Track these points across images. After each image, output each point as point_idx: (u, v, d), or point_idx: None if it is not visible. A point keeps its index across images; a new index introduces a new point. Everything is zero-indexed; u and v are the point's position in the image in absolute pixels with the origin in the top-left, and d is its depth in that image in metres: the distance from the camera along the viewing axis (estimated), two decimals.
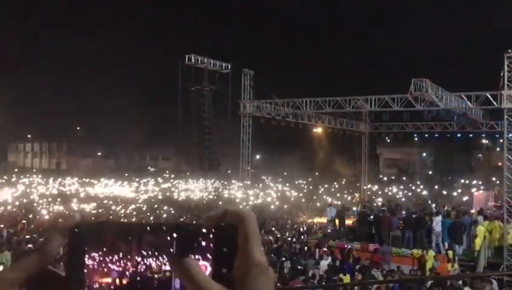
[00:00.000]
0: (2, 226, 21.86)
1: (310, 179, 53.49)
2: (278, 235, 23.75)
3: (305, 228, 27.12)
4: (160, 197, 40.36)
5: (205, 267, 0.71)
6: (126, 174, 51.51)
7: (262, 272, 0.69)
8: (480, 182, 45.52)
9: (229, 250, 0.70)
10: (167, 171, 57.23)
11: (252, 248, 0.70)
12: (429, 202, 31.68)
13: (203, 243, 0.71)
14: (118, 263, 0.70)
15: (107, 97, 59.16)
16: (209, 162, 57.64)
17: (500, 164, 22.96)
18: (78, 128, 67.55)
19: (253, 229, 0.72)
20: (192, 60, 52.95)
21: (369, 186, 38.04)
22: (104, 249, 0.70)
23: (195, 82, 57.11)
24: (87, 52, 62.38)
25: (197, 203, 38.21)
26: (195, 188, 47.90)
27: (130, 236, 0.70)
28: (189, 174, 53.44)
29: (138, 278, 0.71)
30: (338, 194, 40.64)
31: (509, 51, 18.69)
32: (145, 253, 0.71)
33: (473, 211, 24.29)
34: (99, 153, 65.90)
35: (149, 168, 61.84)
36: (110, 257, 0.70)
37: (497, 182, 34.62)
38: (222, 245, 0.71)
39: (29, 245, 17.45)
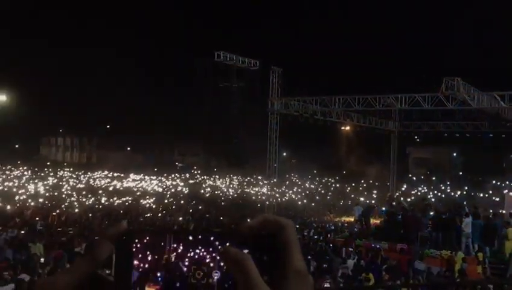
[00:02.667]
0: (37, 219, 22.36)
1: (337, 178, 53.16)
2: (305, 234, 23.68)
3: (332, 227, 27.00)
4: (187, 192, 40.72)
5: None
6: (155, 169, 52.12)
7: (302, 279, 0.72)
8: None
9: (270, 258, 0.72)
10: (195, 167, 57.67)
11: (292, 256, 0.73)
12: (459, 202, 31.14)
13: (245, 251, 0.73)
14: (164, 270, 0.73)
15: (138, 94, 59.83)
16: (237, 159, 57.82)
17: None
18: (107, 126, 68.58)
19: (293, 237, 0.74)
20: (222, 57, 53.04)
21: (398, 185, 37.60)
22: (152, 256, 0.72)
23: (224, 79, 57.31)
24: (118, 49, 63.29)
25: (224, 198, 38.45)
26: (222, 184, 48.17)
27: (175, 243, 0.73)
28: (216, 170, 53.71)
29: (183, 285, 0.73)
30: (366, 193, 40.32)
31: None
32: (191, 259, 0.73)
33: (504, 212, 23.78)
34: (128, 148, 66.80)
35: (177, 163, 62.39)
36: (157, 264, 0.72)
37: None
38: (263, 253, 0.73)
39: (62, 238, 17.80)
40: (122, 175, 48.75)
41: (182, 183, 46.00)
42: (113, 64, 63.17)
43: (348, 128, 32.39)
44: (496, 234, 19.31)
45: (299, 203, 37.33)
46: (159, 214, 27.19)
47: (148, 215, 26.37)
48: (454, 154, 58.85)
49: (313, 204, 37.02)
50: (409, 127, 32.62)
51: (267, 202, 26.40)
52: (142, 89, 61.22)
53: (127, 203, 31.58)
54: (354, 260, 17.43)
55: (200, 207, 31.65)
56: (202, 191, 42.18)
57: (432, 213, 22.40)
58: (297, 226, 25.90)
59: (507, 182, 45.62)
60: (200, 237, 0.73)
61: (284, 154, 51.32)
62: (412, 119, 29.15)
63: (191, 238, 0.73)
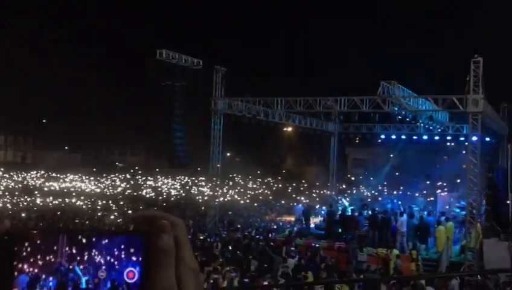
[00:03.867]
0: None
1: (279, 178, 53.73)
2: (246, 233, 23.81)
3: (273, 226, 27.28)
4: (127, 193, 39.96)
5: (133, 273, 0.72)
6: (94, 169, 50.79)
7: (193, 276, 0.73)
8: (445, 184, 46.50)
9: None
10: (136, 167, 56.63)
11: (184, 253, 0.74)
12: (395, 202, 32.20)
13: (131, 250, 0.72)
14: (52, 270, 0.69)
15: (77, 91, 58.08)
16: (179, 159, 57.28)
17: (464, 166, 23.49)
18: (44, 120, 66.15)
19: (183, 235, 0.75)
20: (164, 55, 52.45)
21: (337, 185, 38.44)
22: (37, 257, 0.69)
23: (167, 77, 56.66)
24: (55, 43, 61.09)
25: (165, 200, 38.00)
26: (163, 185, 47.57)
27: (58, 244, 0.70)
28: (158, 170, 53.01)
29: (71, 283, 0.70)
30: (306, 193, 40.99)
31: (476, 56, 19.17)
32: (79, 260, 0.70)
33: (436, 210, 24.82)
34: (66, 148, 64.69)
35: (117, 163, 61.02)
36: (43, 264, 0.69)
37: (461, 184, 35.42)
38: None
39: None
40: (58, 175, 47.18)
41: (122, 184, 45.08)
42: (49, 59, 60.99)
43: (290, 129, 32.82)
44: (429, 233, 20.12)
45: (242, 203, 37.48)
46: (95, 216, 26.57)
47: (81, 219, 25.62)
48: (391, 155, 60.75)
49: (255, 204, 37.26)
50: (348, 129, 33.43)
51: (210, 203, 26.30)
52: (81, 87, 59.50)
53: (63, 205, 30.64)
54: (294, 260, 17.69)
55: (140, 207, 31.13)
56: (143, 191, 41.53)
57: (369, 212, 23.07)
58: (239, 226, 26.06)
59: (439, 183, 47.69)
60: (94, 239, 0.71)
61: (228, 154, 51.37)
62: (351, 121, 29.86)
63: (84, 240, 0.71)
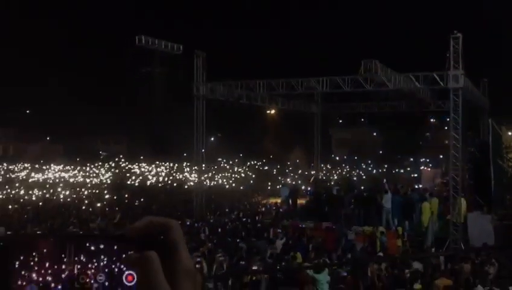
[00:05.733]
0: None
1: (264, 160, 53.88)
2: (233, 217, 23.90)
3: (260, 208, 27.41)
4: (111, 181, 39.79)
5: (132, 276, 0.73)
6: (77, 159, 50.40)
7: (190, 277, 0.74)
8: (428, 160, 47.14)
9: (159, 258, 0.73)
10: (120, 156, 56.30)
11: (181, 255, 0.75)
12: (380, 180, 32.55)
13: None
14: (49, 273, 0.70)
15: (58, 80, 57.21)
16: (163, 146, 57.04)
17: (447, 142, 23.75)
18: (27, 111, 65.26)
19: (179, 237, 0.77)
20: (143, 41, 51.84)
21: (322, 166, 38.69)
22: (35, 260, 0.69)
23: (147, 64, 56.13)
24: (32, 29, 60.00)
25: (151, 187, 37.90)
26: (148, 172, 47.42)
27: (65, 252, 0.70)
28: (143, 158, 52.76)
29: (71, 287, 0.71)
30: (292, 174, 41.19)
31: (455, 32, 19.27)
32: (77, 262, 0.71)
33: (421, 187, 25.13)
34: (48, 138, 63.95)
35: (100, 152, 60.60)
36: (41, 268, 0.69)
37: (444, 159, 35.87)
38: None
39: None
40: (42, 167, 46.74)
41: (107, 174, 44.83)
42: (27, 46, 60.01)
43: (273, 112, 32.82)
44: (414, 209, 20.39)
45: (227, 187, 37.56)
46: (84, 207, 26.44)
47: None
48: (374, 134, 61.22)
49: (241, 187, 37.36)
50: (330, 110, 33.51)
51: (196, 188, 26.30)
52: (61, 76, 58.57)
53: (47, 196, 30.41)
54: (282, 240, 17.82)
55: (126, 196, 31.07)
56: (128, 180, 41.36)
57: (355, 191, 23.29)
58: (227, 210, 26.15)
59: (423, 159, 48.30)
60: (87, 244, 0.72)
61: (212, 139, 51.30)
62: (333, 101, 29.93)
63: (92, 247, 0.72)
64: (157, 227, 0.76)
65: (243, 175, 45.98)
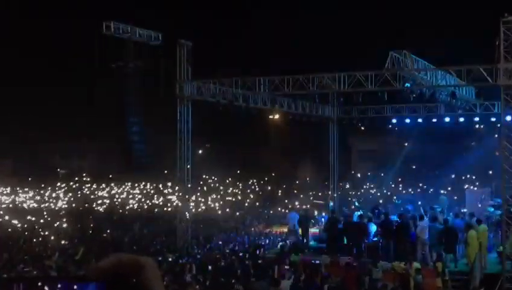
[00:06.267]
0: None
1: (266, 179, 53.86)
2: (227, 251, 23.86)
3: (261, 240, 27.35)
4: (72, 206, 39.74)
5: None
6: (29, 179, 50.36)
7: None
8: (474, 177, 47.11)
9: None
10: (84, 174, 56.27)
11: None
12: (413, 202, 32.50)
13: None
14: None
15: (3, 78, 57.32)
16: (138, 161, 57.01)
17: (497, 154, 23.77)
18: None
19: (155, 279, 0.78)
20: (112, 29, 51.99)
21: (340, 185, 38.67)
22: None
23: (117, 57, 56.25)
24: None
25: (122, 214, 37.87)
26: (119, 194, 47.38)
27: None
28: (112, 176, 52.73)
29: None
30: (301, 196, 41.13)
31: (506, 15, 19.29)
32: None
33: (465, 211, 25.10)
34: None
35: (59, 170, 60.55)
36: None
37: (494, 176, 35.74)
38: None
39: None
40: None
41: (66, 197, 44.79)
42: None
43: (277, 117, 32.83)
44: (457, 239, 20.36)
45: (220, 212, 37.51)
46: (34, 239, 26.38)
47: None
48: (406, 144, 61.28)
49: (237, 213, 37.33)
50: (350, 114, 33.55)
51: (180, 214, 26.27)
52: (8, 71, 58.64)
53: None
54: (289, 281, 17.76)
55: (91, 225, 31.01)
56: (94, 204, 41.33)
57: (382, 217, 23.26)
58: (220, 243, 26.11)
59: (467, 176, 48.27)
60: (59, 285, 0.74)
61: (200, 151, 51.35)
62: (353, 103, 29.91)
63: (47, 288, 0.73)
64: (127, 267, 0.77)
65: (239, 197, 45.93)
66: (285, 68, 29.85)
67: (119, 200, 44.40)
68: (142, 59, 55.70)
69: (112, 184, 50.41)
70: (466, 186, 42.27)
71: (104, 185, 50.49)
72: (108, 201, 43.05)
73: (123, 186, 50.09)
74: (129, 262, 0.78)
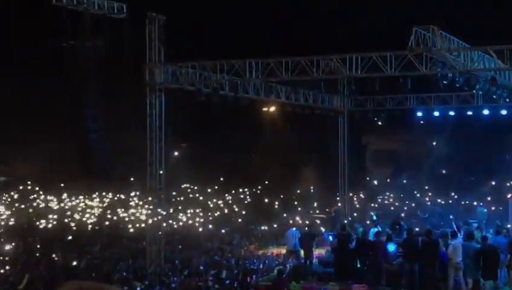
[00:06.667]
0: None
1: (259, 187, 53.87)
2: (211, 278, 23.92)
3: (254, 264, 27.42)
4: (13, 223, 39.68)
5: None
6: None
7: None
8: None
9: None
10: (28, 182, 56.16)
11: None
12: (444, 216, 32.67)
13: None
14: None
15: None
16: (97, 165, 56.95)
17: None
18: None
19: None
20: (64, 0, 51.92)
21: (351, 194, 38.82)
22: None
23: (71, 34, 56.13)
24: None
25: (77, 231, 37.82)
26: (74, 208, 47.31)
27: None
28: (64, 185, 52.64)
29: None
30: (303, 209, 41.21)
31: None
32: None
33: (509, 226, 25.27)
34: None
35: None
36: None
37: None
38: None
39: None
40: None
41: (7, 211, 44.71)
42: None
43: (272, 109, 32.91)
44: (499, 261, 20.46)
45: (201, 229, 37.53)
46: None
47: None
48: (434, 143, 61.45)
49: (222, 231, 37.35)
50: (364, 105, 33.66)
51: (150, 232, 26.30)
52: None
53: None
54: None
55: (38, 247, 30.99)
56: (39, 220, 41.25)
57: (403, 234, 23.37)
58: (201, 268, 26.15)
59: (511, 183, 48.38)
60: None
61: (175, 153, 51.35)
62: (368, 92, 30.04)
63: None
64: None
65: (225, 211, 45.97)
66: (283, 48, 29.90)
67: (74, 214, 44.30)
68: (102, 37, 55.66)
69: (64, 195, 50.30)
70: (510, 195, 42.43)
71: (53, 197, 50.40)
72: (59, 216, 42.93)
73: (78, 198, 49.94)
74: None
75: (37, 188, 53.90)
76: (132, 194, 47.58)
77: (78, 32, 56.08)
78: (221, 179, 54.10)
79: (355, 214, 37.38)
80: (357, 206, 41.06)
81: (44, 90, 57.64)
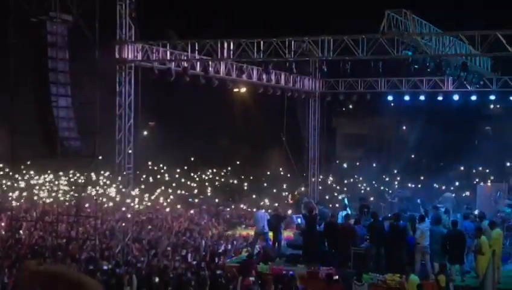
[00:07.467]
0: None
1: (228, 168, 53.87)
2: (177, 259, 23.92)
3: (221, 245, 27.47)
4: None
5: None
6: None
7: None
8: (487, 170, 47.83)
9: None
10: None
11: None
12: (412, 200, 32.91)
13: None
14: None
15: None
16: (64, 143, 56.44)
17: None
18: None
19: None
20: None
21: (321, 177, 38.96)
22: None
23: (37, 10, 55.41)
24: None
25: (44, 210, 37.58)
26: (40, 186, 46.94)
27: None
28: (30, 163, 52.16)
29: None
30: (273, 191, 41.35)
31: None
32: None
33: (476, 213, 25.52)
34: None
35: None
36: None
37: None
38: None
39: None
40: None
41: None
42: None
43: (243, 90, 32.84)
44: (465, 247, 20.67)
45: (168, 210, 37.47)
46: None
47: None
48: (404, 127, 61.73)
49: (191, 211, 37.32)
50: (336, 88, 33.72)
51: (118, 211, 26.26)
52: None
53: None
54: None
55: (3, 224, 30.79)
56: (7, 197, 40.96)
57: (371, 218, 23.54)
58: (169, 248, 26.14)
59: (480, 168, 48.90)
60: None
61: (144, 133, 51.09)
62: (340, 75, 30.09)
63: None
64: (65, 285, 0.88)
65: (194, 191, 45.94)
66: (255, 29, 29.81)
67: (40, 192, 43.99)
68: (68, 12, 54.96)
69: (31, 172, 49.84)
70: (477, 181, 42.91)
71: (19, 175, 49.91)
72: (25, 194, 42.60)
73: (45, 176, 49.55)
74: (69, 280, 0.89)
75: (1, 166, 53.33)
76: (100, 173, 47.26)
77: (45, 7, 55.43)
78: (192, 159, 54.02)
79: (326, 197, 37.54)
80: (323, 189, 41.15)
81: (8, 67, 56.91)
